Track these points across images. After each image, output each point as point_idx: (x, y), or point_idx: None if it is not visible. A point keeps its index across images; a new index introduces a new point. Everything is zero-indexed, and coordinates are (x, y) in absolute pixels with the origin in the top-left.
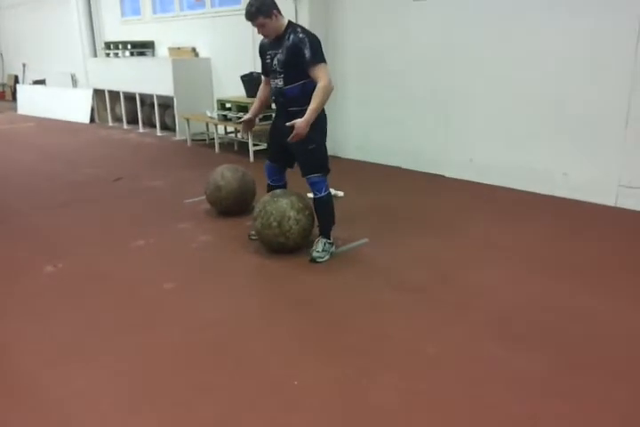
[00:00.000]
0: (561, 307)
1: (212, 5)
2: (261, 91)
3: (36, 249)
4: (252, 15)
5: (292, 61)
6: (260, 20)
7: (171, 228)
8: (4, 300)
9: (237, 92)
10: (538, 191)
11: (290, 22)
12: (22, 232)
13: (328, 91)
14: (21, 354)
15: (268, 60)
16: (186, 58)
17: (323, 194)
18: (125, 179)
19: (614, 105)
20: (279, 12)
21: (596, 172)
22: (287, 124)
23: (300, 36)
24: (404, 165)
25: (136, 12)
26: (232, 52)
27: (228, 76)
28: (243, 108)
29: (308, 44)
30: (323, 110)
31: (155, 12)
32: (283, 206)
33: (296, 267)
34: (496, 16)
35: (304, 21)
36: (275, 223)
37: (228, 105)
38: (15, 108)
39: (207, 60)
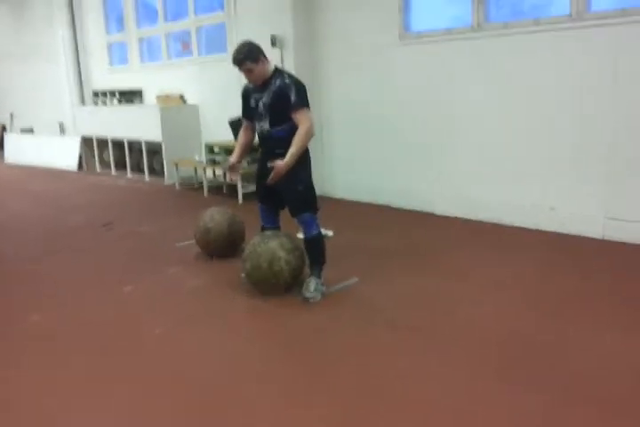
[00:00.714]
0: (559, 343)
1: (200, 53)
2: (242, 136)
3: (22, 297)
4: (239, 61)
5: (277, 105)
6: (248, 65)
7: (161, 273)
8: None
9: (225, 136)
10: (528, 226)
11: (277, 68)
12: (10, 279)
13: (309, 136)
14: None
15: (253, 105)
16: (174, 105)
17: (314, 232)
18: (115, 224)
19: (598, 138)
20: (266, 57)
21: (583, 205)
22: (268, 164)
23: (287, 81)
24: (393, 204)
25: (123, 60)
26: (220, 97)
27: (216, 120)
28: (230, 152)
29: (293, 89)
30: (307, 150)
31: (142, 60)
32: (272, 247)
33: (287, 307)
34: (482, 57)
35: (289, 67)
36: (265, 264)
37: (216, 149)
38: (2, 157)
39: (195, 106)
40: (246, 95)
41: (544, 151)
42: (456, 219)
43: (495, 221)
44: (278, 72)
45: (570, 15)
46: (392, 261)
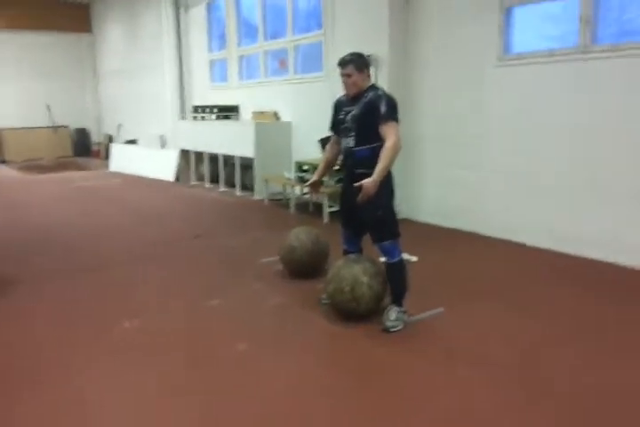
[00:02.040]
0: None
1: (296, 72)
2: (328, 151)
3: (116, 302)
4: (345, 62)
5: (366, 116)
6: (350, 69)
7: (246, 288)
8: (81, 354)
9: (315, 154)
10: (626, 263)
11: (373, 85)
12: (104, 285)
13: (396, 150)
14: (88, 415)
15: (342, 116)
16: (268, 121)
17: (395, 259)
18: (204, 235)
19: None
20: (369, 73)
21: None
22: (355, 184)
23: (379, 93)
24: (482, 231)
25: (223, 78)
26: (312, 116)
27: (307, 138)
28: None
29: (384, 102)
30: (390, 174)
31: (241, 77)
32: (355, 272)
33: (367, 335)
34: (588, 80)
35: (383, 85)
36: (347, 288)
37: (305, 167)
38: (107, 166)
39: (288, 123)
40: (337, 107)
41: None
42: (548, 251)
43: (591, 256)
44: (373, 87)
45: None
46: (477, 292)
